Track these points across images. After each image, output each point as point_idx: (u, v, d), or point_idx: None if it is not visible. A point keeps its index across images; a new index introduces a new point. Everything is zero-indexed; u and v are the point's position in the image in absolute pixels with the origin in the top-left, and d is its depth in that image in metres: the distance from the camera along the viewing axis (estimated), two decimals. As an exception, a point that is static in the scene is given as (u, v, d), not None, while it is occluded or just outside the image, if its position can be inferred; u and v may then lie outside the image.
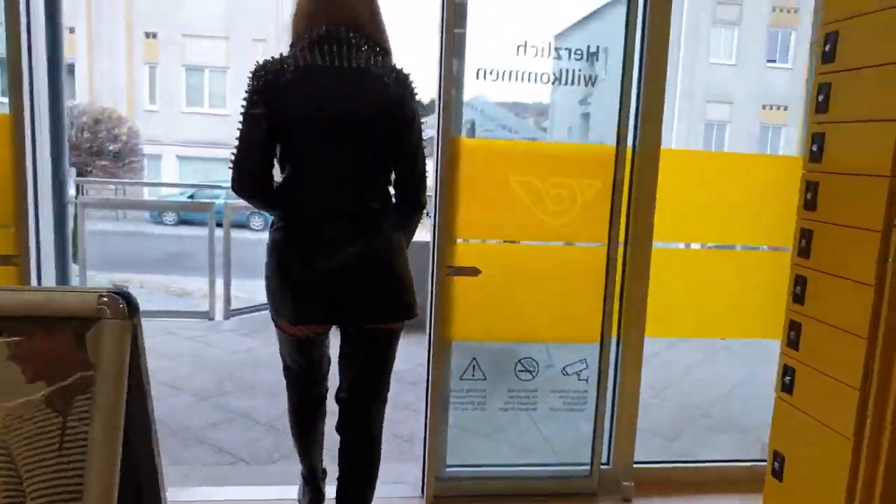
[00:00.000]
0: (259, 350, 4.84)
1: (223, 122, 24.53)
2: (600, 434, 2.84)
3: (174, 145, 24.39)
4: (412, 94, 1.98)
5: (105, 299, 1.23)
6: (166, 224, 20.57)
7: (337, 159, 1.91)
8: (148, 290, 12.45)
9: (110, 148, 12.82)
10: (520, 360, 2.79)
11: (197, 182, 23.71)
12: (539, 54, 2.59)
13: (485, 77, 2.60)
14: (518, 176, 2.65)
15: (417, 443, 2.76)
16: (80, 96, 22.47)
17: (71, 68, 23.82)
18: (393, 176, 2.03)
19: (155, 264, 12.54)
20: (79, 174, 13.09)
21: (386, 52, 2.00)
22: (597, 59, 2.68)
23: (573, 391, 2.85)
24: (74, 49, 23.53)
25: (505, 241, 2.77)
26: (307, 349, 2.13)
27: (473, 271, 2.68)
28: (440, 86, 2.57)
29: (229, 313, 5.73)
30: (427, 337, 2.70)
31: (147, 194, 24.47)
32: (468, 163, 2.61)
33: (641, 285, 2.79)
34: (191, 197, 22.36)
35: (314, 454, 2.31)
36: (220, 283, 5.41)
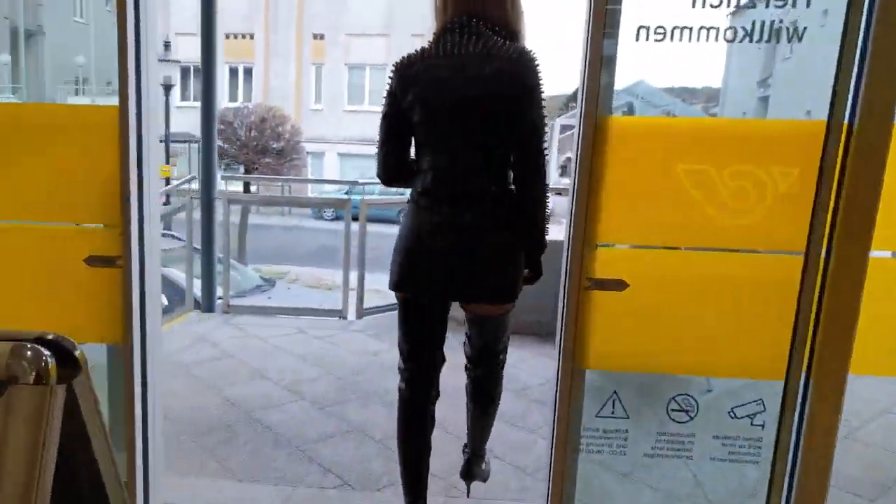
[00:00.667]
0: (384, 354, 4.55)
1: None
2: (778, 490, 2.18)
3: (335, 143, 25.44)
4: (534, 74, 2.00)
5: (26, 354, 0.81)
6: (325, 219, 21.50)
7: (454, 144, 2.04)
8: (300, 283, 12.99)
9: (274, 146, 13.40)
10: (674, 398, 2.19)
11: (353, 179, 24.61)
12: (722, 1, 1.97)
13: (647, 37, 2.01)
14: (686, 163, 2.05)
15: (543, 474, 2.27)
16: (255, 98, 24.12)
17: (249, 72, 25.67)
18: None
19: (310, 258, 12.99)
20: (246, 171, 13.87)
21: (513, 34, 2.05)
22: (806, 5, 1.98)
23: (744, 438, 2.20)
24: (252, 54, 25.30)
25: (662, 248, 2.18)
26: (414, 321, 2.33)
27: (619, 285, 2.13)
28: (586, 47, 2.01)
29: (362, 312, 5.53)
30: (556, 362, 2.19)
31: (310, 191, 25.86)
32: (618, 147, 2.05)
33: (849, 307, 2.07)
34: (347, 193, 23.30)
35: (414, 476, 2.31)
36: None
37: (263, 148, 13.18)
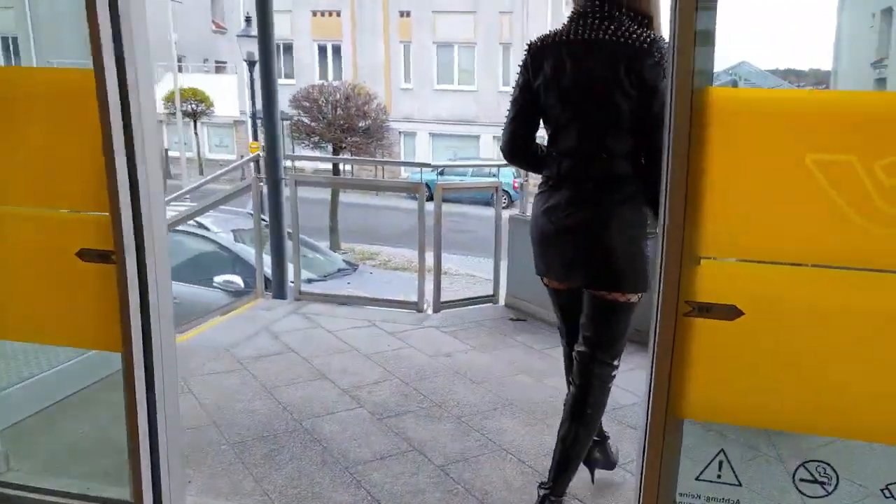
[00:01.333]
0: (459, 356, 4.17)
1: (472, 99, 24.74)
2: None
3: (424, 122, 25.19)
4: (657, 62, 1.95)
5: None
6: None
7: (581, 128, 2.06)
8: (392, 265, 12.84)
9: (361, 124, 13.25)
10: (804, 464, 1.68)
11: (447, 159, 24.30)
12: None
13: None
14: (819, 152, 1.53)
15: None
16: (345, 76, 24.20)
17: (337, 50, 25.79)
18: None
19: (404, 238, 12.81)
20: (334, 150, 13.82)
21: (647, 20, 2.02)
22: None
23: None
24: (339, 32, 25.36)
25: (789, 264, 1.67)
26: (561, 304, 2.43)
27: (729, 312, 1.65)
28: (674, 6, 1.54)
29: (439, 305, 5.18)
30: (646, 407, 1.73)
31: (403, 172, 25.83)
32: (725, 131, 1.57)
33: None
34: (440, 173, 23.05)
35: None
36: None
37: (350, 126, 13.02)
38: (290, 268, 5.26)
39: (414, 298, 5.26)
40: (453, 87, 25.02)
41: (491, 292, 5.41)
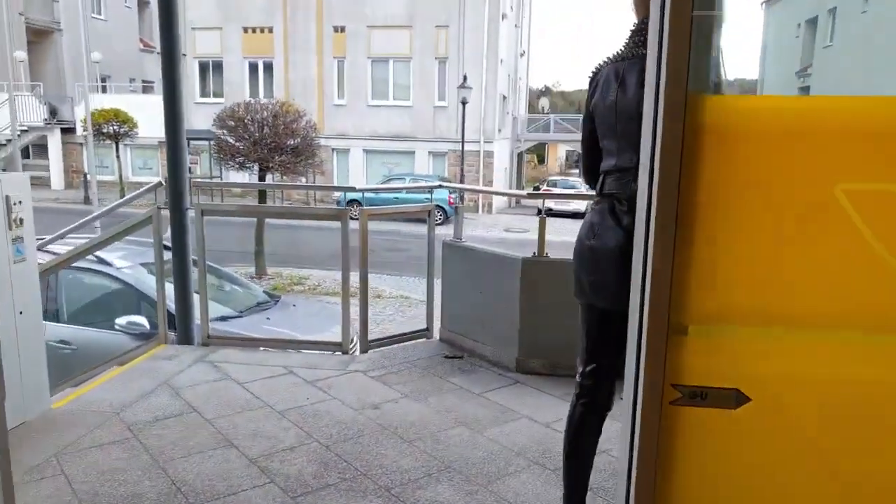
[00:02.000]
0: (388, 408, 3.64)
1: (407, 115, 24.33)
2: None
3: (361, 138, 24.63)
4: None
5: None
6: (353, 218, 20.70)
7: (615, 148, 2.06)
8: (320, 290, 12.22)
9: (289, 143, 12.60)
10: None
11: (384, 174, 23.77)
12: None
13: None
14: (853, 181, 1.11)
15: None
16: (276, 93, 23.42)
17: (269, 67, 25.00)
18: None
19: (337, 260, 12.17)
20: (261, 170, 13.10)
21: None
22: None
23: None
24: (271, 48, 24.60)
25: (813, 328, 1.22)
26: (586, 323, 2.29)
27: (731, 398, 1.20)
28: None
29: (367, 345, 4.63)
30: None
31: (334, 193, 25.10)
32: (723, 150, 1.12)
33: None
34: (373, 191, 22.47)
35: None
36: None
37: (277, 145, 12.35)
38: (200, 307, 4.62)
39: (338, 338, 4.70)
40: (388, 102, 24.57)
41: (424, 326, 4.91)
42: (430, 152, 24.56)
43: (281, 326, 6.06)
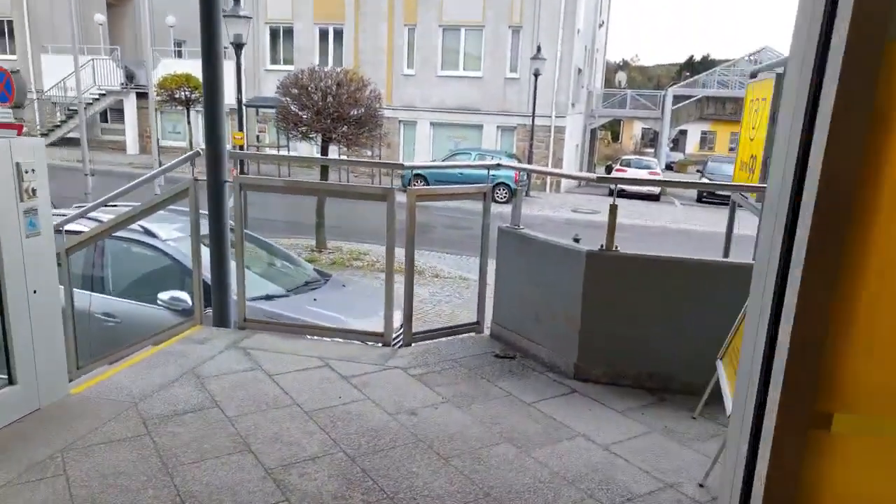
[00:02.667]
0: (426, 414, 3.25)
1: (476, 86, 23.69)
2: None
3: (428, 110, 24.17)
4: None
5: None
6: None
7: None
8: (377, 268, 11.96)
9: (353, 113, 12.26)
10: None
11: (451, 149, 23.31)
12: None
13: None
14: None
15: None
16: (346, 62, 23.19)
17: (339, 34, 24.75)
18: None
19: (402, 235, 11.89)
20: (324, 141, 12.86)
21: None
22: None
23: None
24: (342, 14, 24.31)
25: None
26: None
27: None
28: None
29: (411, 338, 4.25)
30: None
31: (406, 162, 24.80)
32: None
33: None
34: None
35: None
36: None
37: (340, 115, 12.04)
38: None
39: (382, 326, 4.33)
40: (458, 73, 23.96)
41: (474, 319, 4.48)
42: (498, 126, 23.89)
43: (327, 308, 5.75)
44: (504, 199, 19.18)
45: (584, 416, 3.33)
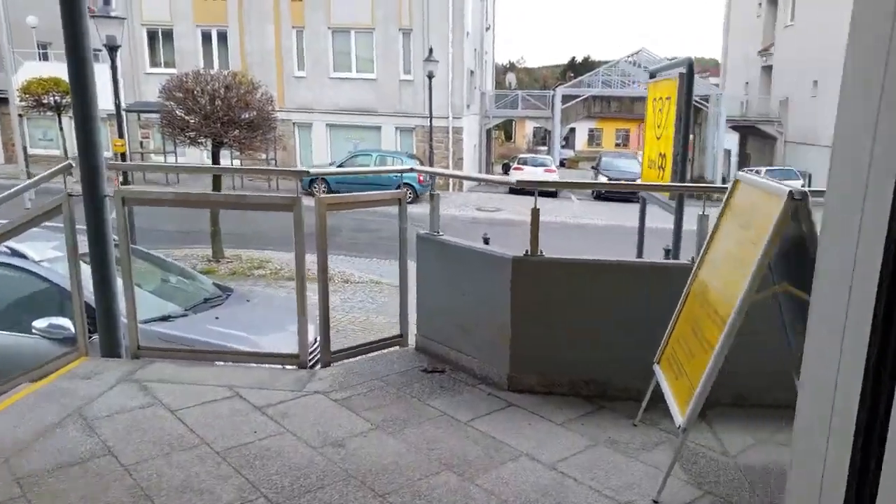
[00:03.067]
0: (355, 445, 2.95)
1: (371, 88, 23.31)
2: None
3: (324, 112, 23.55)
4: None
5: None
6: (314, 195, 19.72)
7: None
8: (283, 275, 11.41)
9: (244, 116, 11.64)
10: None
11: (349, 151, 22.78)
12: None
13: None
14: None
15: None
16: (232, 65, 22.16)
17: (223, 36, 23.66)
18: None
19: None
20: (215, 146, 12.13)
21: None
22: None
23: None
24: (224, 16, 23.25)
25: None
26: None
27: None
28: None
29: (329, 356, 3.92)
30: None
31: (300, 164, 24.02)
32: None
33: None
34: (339, 167, 21.51)
35: None
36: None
37: (231, 119, 11.39)
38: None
39: (296, 345, 3.97)
40: (351, 75, 23.49)
41: (398, 332, 4.22)
42: (396, 127, 23.63)
43: (232, 327, 5.29)
44: (409, 200, 18.92)
45: (524, 431, 3.14)
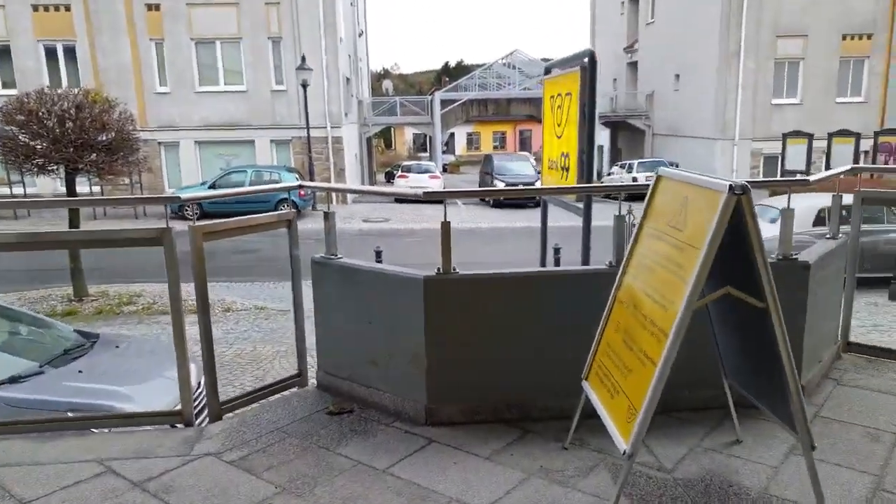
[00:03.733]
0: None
1: (242, 101, 22.25)
2: None
3: (191, 129, 22.20)
4: None
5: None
6: (188, 217, 18.50)
7: None
8: (157, 308, 10.46)
9: (101, 138, 10.56)
10: None
11: (220, 168, 21.58)
12: None
13: None
14: None
15: None
16: (85, 82, 20.39)
17: (71, 51, 21.74)
18: None
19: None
20: (69, 173, 10.93)
21: None
22: None
23: None
24: (72, 29, 21.35)
25: None
26: None
27: None
28: None
29: (218, 409, 3.40)
30: None
31: (168, 187, 22.52)
32: None
33: None
34: (212, 186, 20.31)
35: None
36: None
37: (85, 142, 10.29)
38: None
39: (178, 400, 3.43)
40: (219, 88, 22.28)
41: (296, 370, 3.76)
42: (272, 140, 22.66)
43: (100, 380, 4.60)
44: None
45: (449, 472, 2.80)
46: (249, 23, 21.75)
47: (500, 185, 22.11)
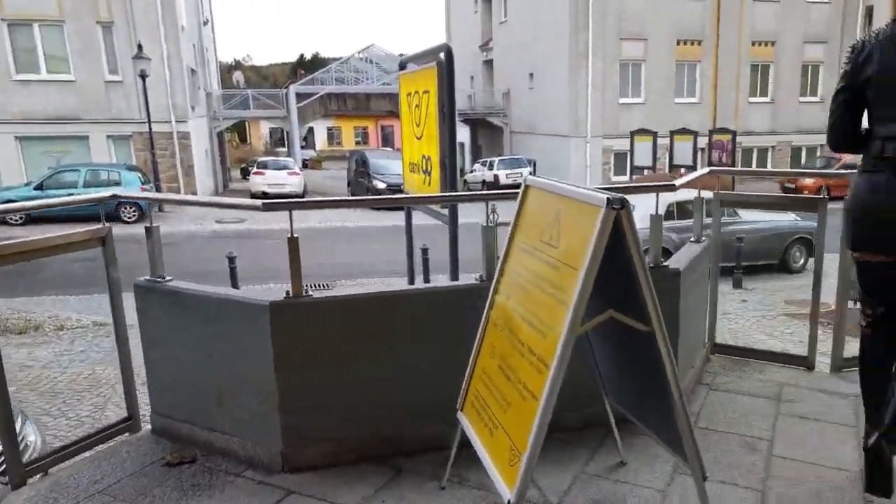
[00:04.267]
0: None
1: (71, 91, 20.11)
2: None
3: (10, 122, 19.75)
4: None
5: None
6: (12, 223, 16.42)
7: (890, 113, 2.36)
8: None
9: None
10: None
11: (49, 167, 19.37)
12: None
13: None
14: None
15: None
16: None
17: None
18: None
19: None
20: None
21: None
22: None
23: None
24: None
25: None
26: (874, 281, 2.48)
27: None
28: None
29: (23, 472, 2.76)
30: None
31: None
32: None
33: None
34: (38, 187, 18.16)
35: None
36: None
37: None
38: None
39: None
40: (40, 76, 19.96)
41: (126, 414, 3.19)
42: (108, 136, 20.67)
43: None
44: (133, 219, 16.64)
45: (312, 530, 2.42)
46: (73, 5, 19.63)
47: (382, 186, 21.35)
